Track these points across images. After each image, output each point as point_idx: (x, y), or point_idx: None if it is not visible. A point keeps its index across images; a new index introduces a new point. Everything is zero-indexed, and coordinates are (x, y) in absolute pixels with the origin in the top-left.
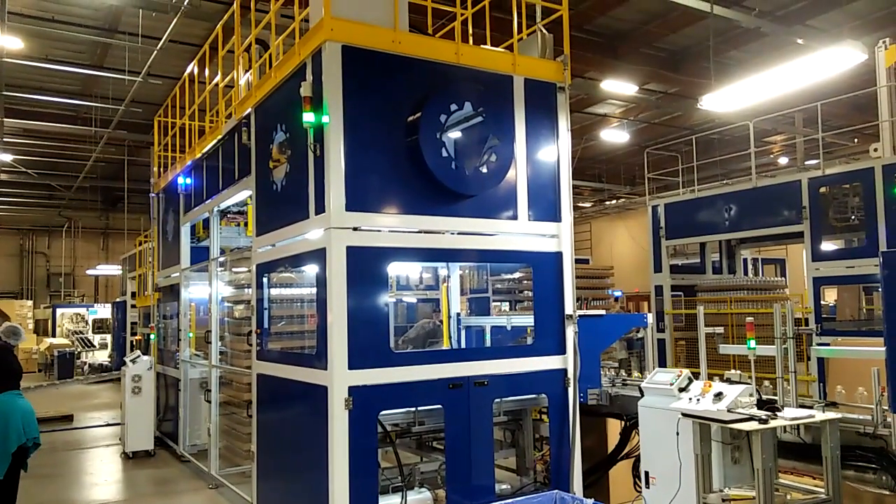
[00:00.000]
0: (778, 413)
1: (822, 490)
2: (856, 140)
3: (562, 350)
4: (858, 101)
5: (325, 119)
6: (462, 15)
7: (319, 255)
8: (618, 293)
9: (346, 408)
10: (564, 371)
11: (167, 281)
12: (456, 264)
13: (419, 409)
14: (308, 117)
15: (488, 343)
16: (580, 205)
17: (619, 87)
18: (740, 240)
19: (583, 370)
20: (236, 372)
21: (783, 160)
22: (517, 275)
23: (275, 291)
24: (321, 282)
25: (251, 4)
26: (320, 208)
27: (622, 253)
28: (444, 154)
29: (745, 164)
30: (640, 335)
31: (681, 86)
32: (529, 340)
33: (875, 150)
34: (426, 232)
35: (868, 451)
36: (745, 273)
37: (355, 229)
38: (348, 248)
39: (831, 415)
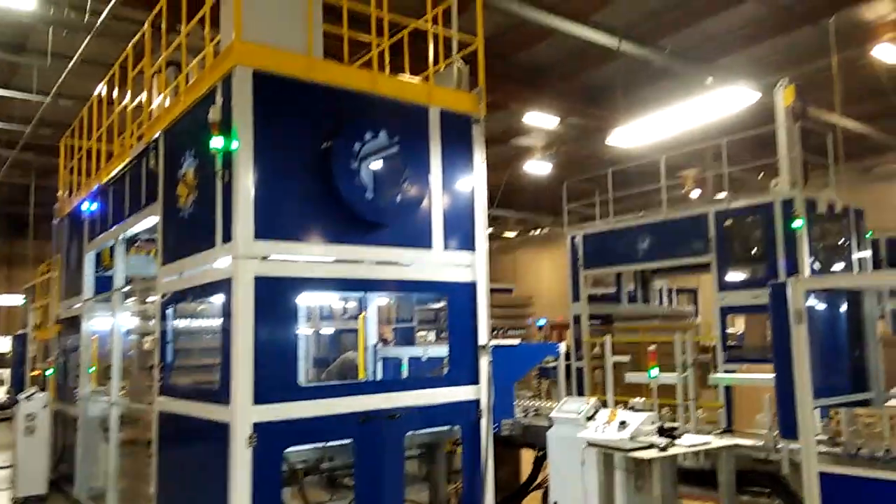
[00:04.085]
0: (677, 440)
1: None
2: (761, 175)
3: (475, 380)
4: (762, 138)
5: (233, 145)
6: (379, 45)
7: (226, 285)
8: (542, 322)
9: (249, 445)
10: (478, 402)
11: (69, 312)
12: (373, 294)
13: (329, 444)
14: (216, 142)
15: (406, 374)
16: (505, 234)
17: (541, 119)
18: (653, 270)
19: (497, 400)
20: (140, 409)
21: (695, 193)
22: (442, 304)
23: (183, 323)
24: (227, 313)
25: (162, 25)
26: (227, 237)
27: (546, 282)
28: (358, 183)
29: (661, 197)
30: (554, 364)
31: (599, 120)
32: (446, 371)
33: (775, 185)
34: (341, 261)
35: (762, 475)
36: (661, 302)
37: (265, 258)
38: (257, 277)
39: (727, 441)
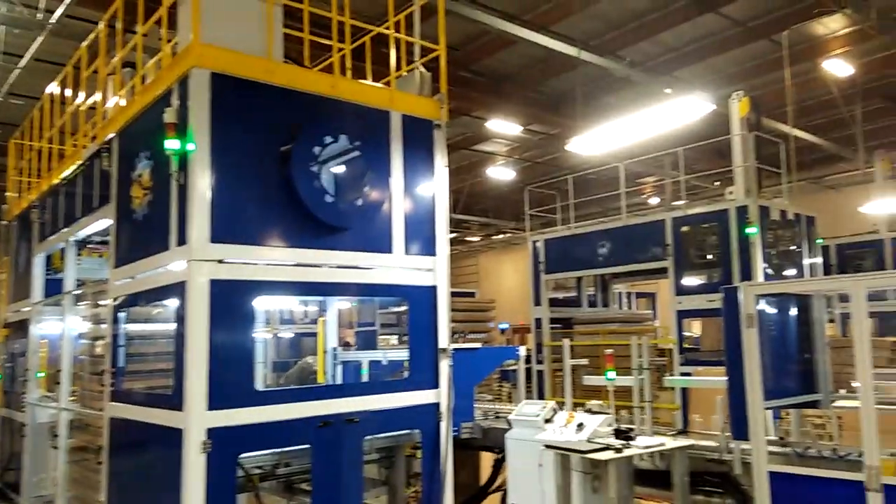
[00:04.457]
0: (632, 442)
1: None
2: (717, 183)
3: (436, 384)
4: (719, 147)
5: (189, 147)
6: (341, 50)
7: (180, 289)
8: (504, 325)
9: (202, 451)
10: (438, 405)
11: (17, 316)
12: (333, 298)
13: (287, 449)
14: (172, 144)
15: (365, 378)
16: (468, 239)
17: (503, 126)
18: (613, 274)
19: (457, 404)
20: (91, 415)
21: (654, 200)
22: (404, 307)
23: (136, 327)
24: (181, 317)
25: (118, 25)
26: (182, 239)
27: (509, 286)
28: (318, 186)
29: (620, 203)
30: (515, 367)
31: (560, 128)
32: (406, 375)
33: (730, 192)
34: (301, 265)
35: (715, 475)
36: (620, 306)
37: (220, 262)
38: (212, 281)
39: (681, 442)
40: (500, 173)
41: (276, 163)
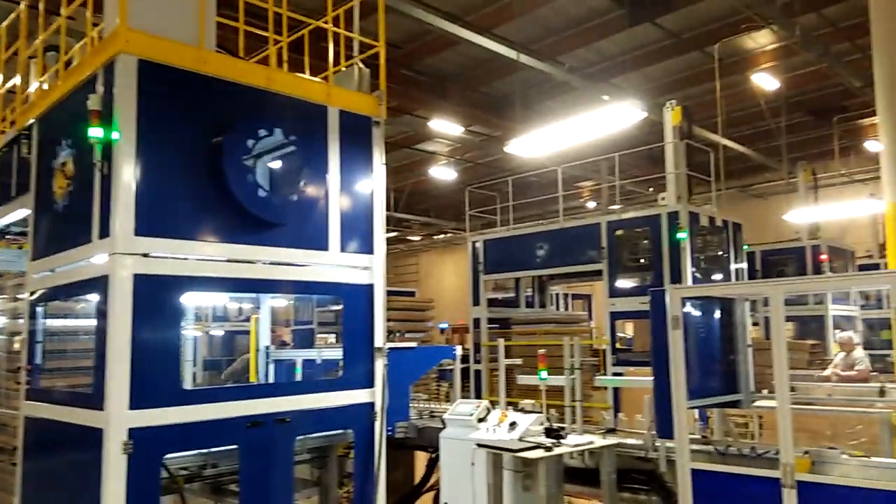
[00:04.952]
0: (563, 441)
1: None
2: (651, 189)
3: (370, 383)
4: (653, 154)
5: (114, 135)
6: (277, 42)
7: (102, 283)
8: (444, 325)
9: (124, 452)
10: (372, 405)
11: None
12: (266, 295)
13: (215, 449)
14: (95, 132)
15: (299, 378)
16: (409, 238)
17: (445, 126)
18: (550, 276)
19: (391, 403)
20: (6, 414)
21: (592, 204)
22: (342, 306)
23: (56, 323)
24: (103, 312)
25: (41, 6)
26: (105, 232)
27: (450, 286)
28: (251, 180)
29: (558, 206)
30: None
31: (502, 130)
32: (340, 374)
33: (662, 198)
34: (233, 261)
35: (641, 473)
36: (557, 307)
37: (146, 256)
38: (136, 276)
39: (609, 441)
40: (443, 173)
41: (207, 155)
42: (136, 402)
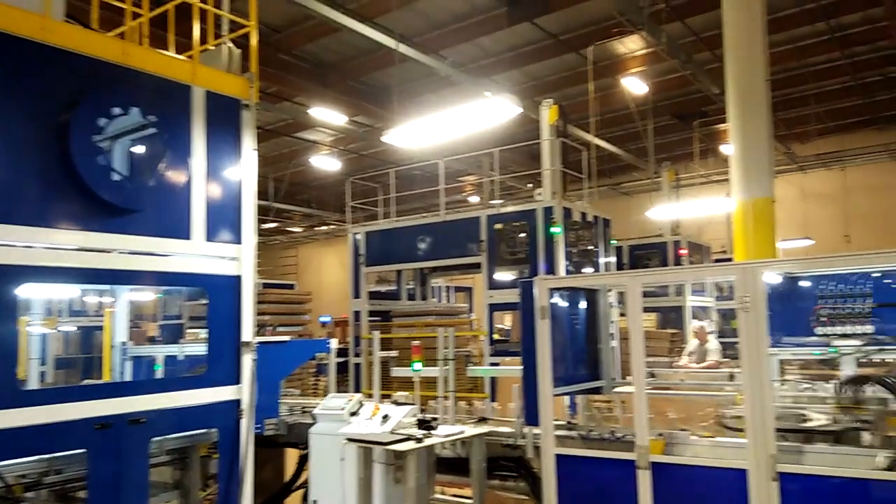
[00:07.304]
0: (434, 432)
1: (471, 499)
2: (529, 185)
3: (237, 380)
4: (533, 150)
5: None
6: (137, 16)
7: None
8: (327, 319)
9: None
10: (238, 402)
11: None
12: (123, 288)
13: (59, 454)
14: None
15: (160, 375)
16: (289, 229)
17: (328, 115)
18: (431, 268)
19: (260, 400)
20: None
21: (475, 199)
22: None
23: None
24: None
25: None
26: None
27: (332, 279)
28: (103, 162)
29: (444, 199)
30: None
31: (384, 121)
32: (204, 370)
33: (538, 193)
34: (83, 250)
35: (510, 460)
36: (439, 299)
37: None
38: None
39: (479, 430)
40: (325, 163)
41: (54, 134)
42: None
